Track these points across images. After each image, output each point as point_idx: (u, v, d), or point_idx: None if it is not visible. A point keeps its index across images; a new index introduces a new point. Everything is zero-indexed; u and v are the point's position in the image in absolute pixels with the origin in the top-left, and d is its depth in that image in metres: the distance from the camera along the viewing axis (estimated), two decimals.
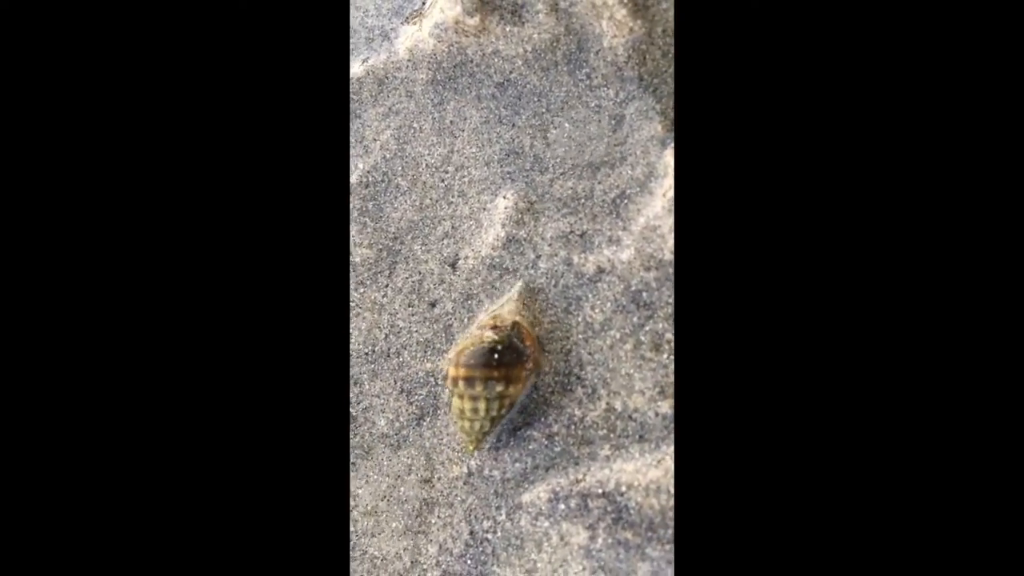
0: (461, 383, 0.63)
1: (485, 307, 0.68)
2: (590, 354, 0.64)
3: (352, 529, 0.69)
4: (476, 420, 0.64)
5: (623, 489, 0.60)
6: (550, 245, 0.67)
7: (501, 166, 0.70)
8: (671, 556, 0.58)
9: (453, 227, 0.71)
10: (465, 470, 0.67)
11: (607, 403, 0.63)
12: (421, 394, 0.70)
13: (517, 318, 0.65)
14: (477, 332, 0.65)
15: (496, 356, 0.63)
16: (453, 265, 0.70)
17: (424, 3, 0.74)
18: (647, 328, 0.63)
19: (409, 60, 0.73)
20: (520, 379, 0.64)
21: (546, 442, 0.64)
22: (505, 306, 0.66)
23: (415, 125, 0.73)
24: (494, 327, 0.64)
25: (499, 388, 0.63)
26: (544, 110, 0.69)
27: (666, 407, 0.61)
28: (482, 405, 0.63)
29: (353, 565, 0.68)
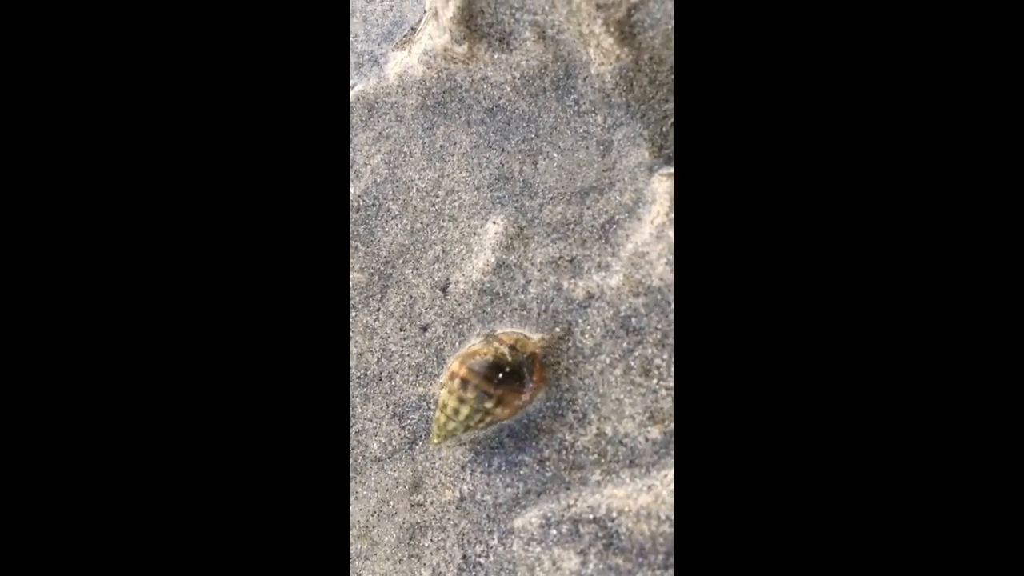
0: (457, 380, 0.64)
1: (477, 331, 0.69)
2: (580, 379, 0.65)
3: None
4: (452, 420, 0.64)
5: (614, 515, 0.61)
6: (540, 271, 0.67)
7: (491, 191, 0.71)
8: None
9: (444, 251, 0.71)
10: (458, 494, 0.67)
11: (598, 428, 0.64)
12: (413, 418, 0.70)
13: (538, 351, 0.65)
14: (495, 343, 0.65)
15: (500, 375, 0.63)
16: (444, 289, 0.71)
17: (413, 29, 0.74)
18: (636, 353, 0.63)
19: (399, 86, 0.74)
20: (511, 405, 0.64)
21: (537, 467, 0.65)
22: (535, 337, 0.66)
23: (405, 149, 0.74)
24: (512, 347, 0.64)
25: (488, 404, 0.63)
26: (533, 136, 0.70)
27: (656, 432, 0.62)
28: (465, 410, 0.64)
29: None
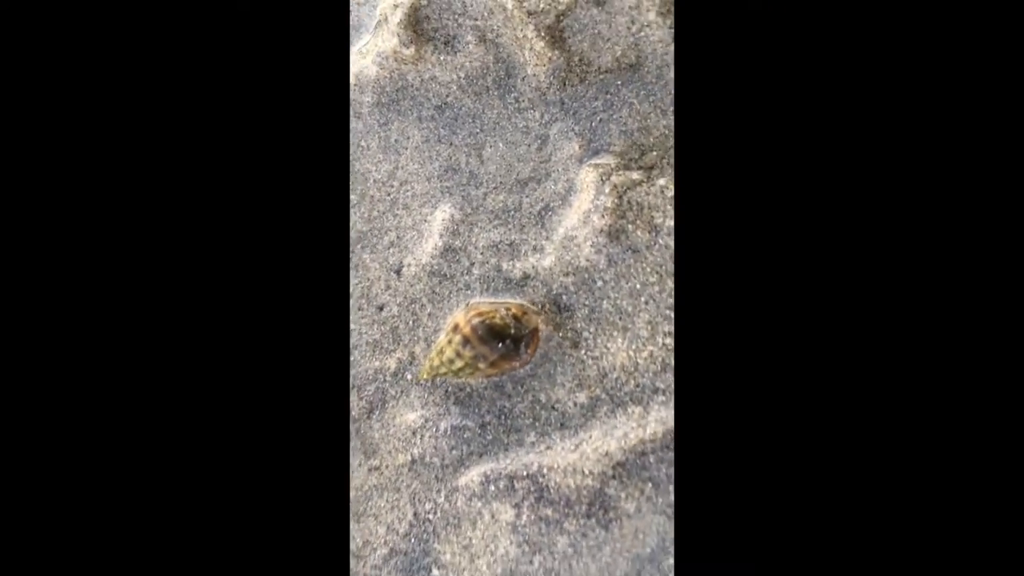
0: (458, 338, 0.68)
1: (428, 311, 0.75)
2: None
3: None
4: (445, 367, 0.68)
5: (544, 471, 0.68)
6: (482, 254, 0.74)
7: (440, 181, 0.77)
8: (586, 529, 0.66)
9: (398, 237, 0.78)
10: (409, 458, 0.74)
11: (533, 396, 0.70)
12: (370, 390, 0.77)
13: (541, 326, 0.69)
14: (503, 308, 0.68)
15: (500, 344, 0.67)
16: (398, 272, 0.77)
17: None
18: (567, 327, 0.70)
19: (356, 85, 0.80)
20: (500, 368, 0.68)
21: (479, 431, 0.72)
22: (536, 315, 0.69)
23: (363, 143, 0.80)
24: (517, 319, 0.68)
25: (481, 365, 0.68)
26: (478, 130, 0.76)
27: (583, 397, 0.68)
28: (459, 363, 0.68)
29: None
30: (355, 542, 0.74)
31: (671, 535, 0.66)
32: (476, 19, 0.74)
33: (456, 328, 0.69)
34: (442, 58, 0.76)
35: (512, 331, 0.67)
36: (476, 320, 0.68)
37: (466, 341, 0.67)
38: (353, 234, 0.79)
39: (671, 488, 0.66)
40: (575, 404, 0.69)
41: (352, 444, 0.76)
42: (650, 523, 0.66)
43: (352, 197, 0.80)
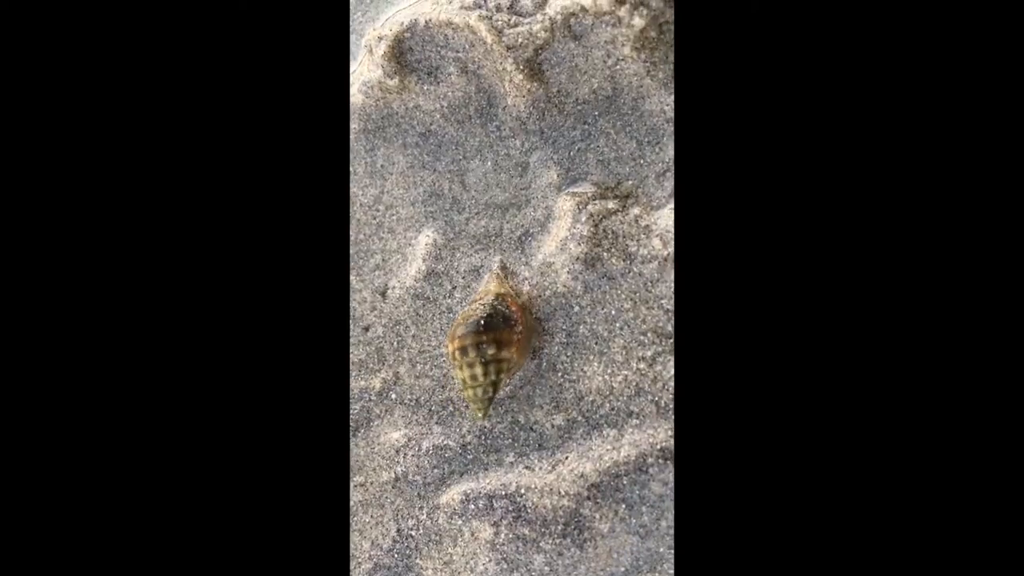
0: (457, 354, 0.69)
1: (412, 332, 0.78)
2: None
3: None
4: (478, 387, 0.69)
5: (522, 491, 0.70)
6: (463, 277, 0.76)
7: (424, 206, 0.79)
8: (562, 549, 0.68)
9: (383, 260, 0.80)
10: (393, 476, 0.76)
11: (512, 417, 0.73)
12: (355, 408, 0.79)
13: (500, 290, 0.71)
14: (468, 311, 0.71)
15: (483, 323, 0.68)
16: (383, 294, 0.80)
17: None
18: (545, 351, 0.72)
19: None
20: (512, 342, 0.69)
21: (460, 451, 0.74)
22: (487, 284, 0.73)
23: (350, 168, 0.83)
24: (477, 301, 0.71)
25: (491, 351, 0.68)
26: (461, 157, 0.79)
27: (560, 419, 0.71)
28: (479, 370, 0.68)
29: None
30: None
31: (643, 555, 0.69)
32: (457, 51, 0.76)
33: (452, 353, 0.71)
34: (425, 88, 0.78)
35: (479, 310, 0.69)
36: (456, 332, 0.70)
37: (463, 350, 0.69)
38: None
39: (644, 509, 0.69)
40: (552, 426, 0.71)
41: None
42: (623, 543, 0.69)
43: None
